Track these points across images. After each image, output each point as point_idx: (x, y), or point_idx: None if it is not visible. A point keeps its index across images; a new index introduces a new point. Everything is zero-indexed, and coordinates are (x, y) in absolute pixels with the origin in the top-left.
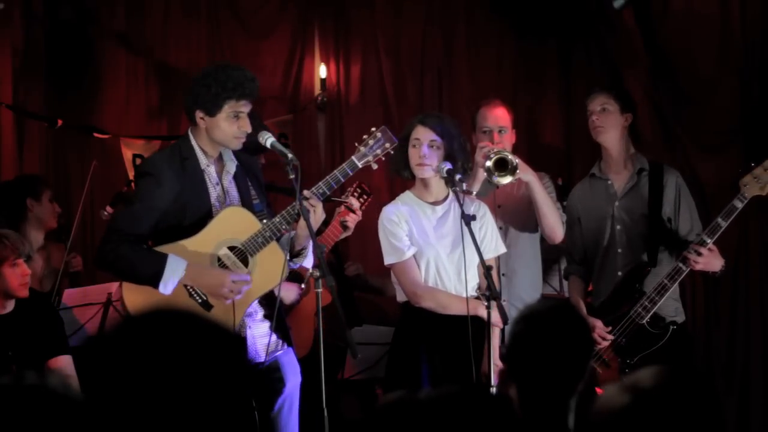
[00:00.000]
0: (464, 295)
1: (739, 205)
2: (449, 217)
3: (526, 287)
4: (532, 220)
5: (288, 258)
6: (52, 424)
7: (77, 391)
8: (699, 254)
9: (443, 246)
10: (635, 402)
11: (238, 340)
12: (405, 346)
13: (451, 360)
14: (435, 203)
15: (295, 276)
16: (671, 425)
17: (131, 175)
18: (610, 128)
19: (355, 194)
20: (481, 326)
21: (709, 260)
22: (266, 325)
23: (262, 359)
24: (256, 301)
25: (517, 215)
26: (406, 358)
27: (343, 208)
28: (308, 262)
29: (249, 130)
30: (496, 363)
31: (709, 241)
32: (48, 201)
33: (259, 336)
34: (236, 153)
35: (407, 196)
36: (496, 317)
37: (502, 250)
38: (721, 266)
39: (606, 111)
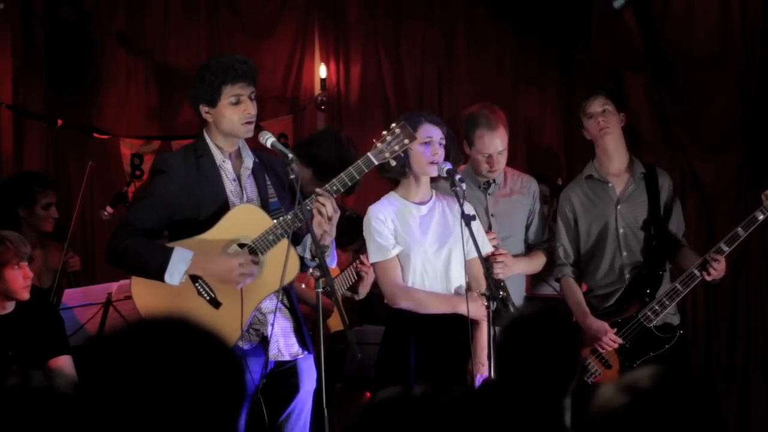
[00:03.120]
0: (451, 293)
1: (761, 217)
2: (434, 216)
3: (517, 291)
4: (521, 226)
5: (310, 257)
6: (60, 425)
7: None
8: (716, 265)
9: (430, 243)
10: (633, 402)
11: (232, 355)
12: (394, 344)
13: (440, 358)
14: (420, 203)
15: None
16: (669, 425)
17: (130, 175)
18: (613, 129)
19: None
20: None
21: (723, 268)
22: (290, 324)
23: (286, 358)
24: (278, 299)
25: (508, 221)
26: (395, 356)
27: (362, 258)
28: (332, 261)
29: (253, 112)
30: (482, 362)
31: (727, 249)
32: (41, 209)
33: (282, 335)
34: (256, 150)
35: (392, 196)
36: (475, 311)
37: (488, 248)
38: (722, 275)
39: (607, 112)
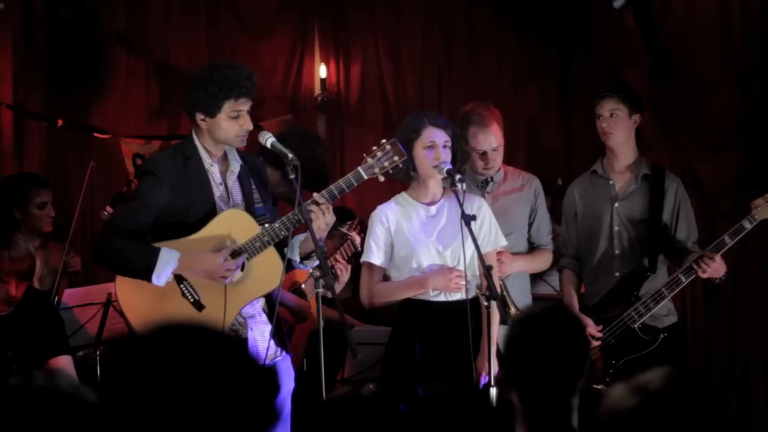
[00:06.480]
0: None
1: (748, 226)
2: (443, 216)
3: (520, 288)
4: (522, 224)
5: (299, 260)
6: (62, 425)
7: (87, 391)
8: (709, 262)
9: (436, 242)
10: (644, 404)
11: (239, 344)
12: (401, 340)
13: (446, 355)
14: (430, 203)
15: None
16: (679, 427)
17: (131, 175)
18: (619, 132)
19: (357, 229)
20: (476, 323)
21: (718, 267)
22: (269, 328)
23: (263, 362)
24: (259, 303)
25: (506, 219)
26: (401, 352)
27: (336, 257)
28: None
29: (250, 127)
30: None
31: (714, 256)
32: (36, 209)
33: (261, 339)
34: (241, 152)
35: (402, 197)
36: (444, 285)
37: (503, 242)
38: (724, 273)
39: (615, 116)
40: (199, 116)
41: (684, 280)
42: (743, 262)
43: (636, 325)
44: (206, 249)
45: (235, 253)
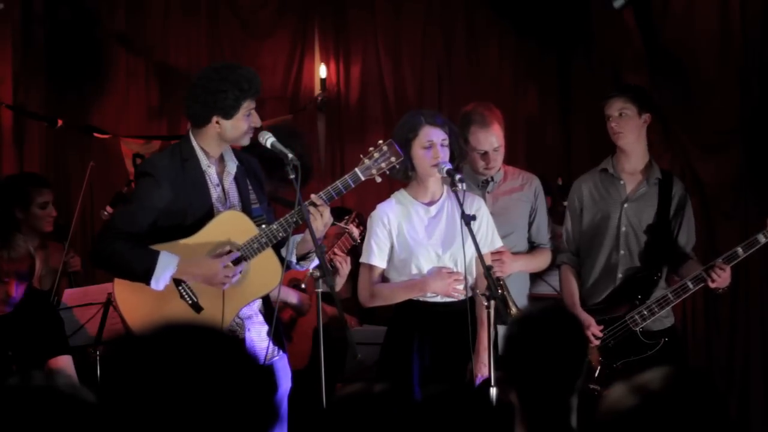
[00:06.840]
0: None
1: (763, 240)
2: (442, 216)
3: (518, 288)
4: (522, 224)
5: (296, 261)
6: (61, 426)
7: (86, 392)
8: (720, 272)
9: (436, 245)
10: (643, 404)
11: (237, 342)
12: (397, 341)
13: (442, 356)
14: (429, 203)
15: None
16: (680, 428)
17: (131, 175)
18: (629, 132)
19: (354, 222)
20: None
21: (727, 278)
22: (266, 328)
23: (261, 361)
24: (256, 304)
25: (506, 219)
26: (397, 353)
27: (335, 250)
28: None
29: (259, 124)
30: (483, 362)
31: (724, 266)
32: (38, 208)
33: (258, 339)
34: (237, 153)
35: (402, 194)
36: (443, 289)
37: (499, 244)
38: (728, 284)
39: (624, 115)
40: (215, 119)
41: (692, 287)
42: (743, 268)
43: (638, 329)
44: (205, 251)
45: (235, 260)
